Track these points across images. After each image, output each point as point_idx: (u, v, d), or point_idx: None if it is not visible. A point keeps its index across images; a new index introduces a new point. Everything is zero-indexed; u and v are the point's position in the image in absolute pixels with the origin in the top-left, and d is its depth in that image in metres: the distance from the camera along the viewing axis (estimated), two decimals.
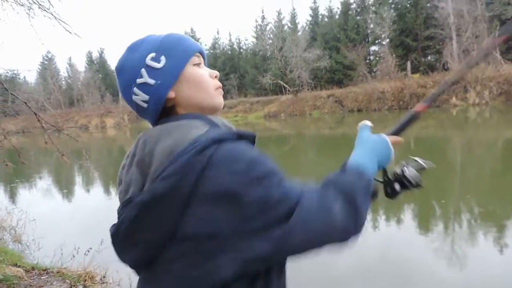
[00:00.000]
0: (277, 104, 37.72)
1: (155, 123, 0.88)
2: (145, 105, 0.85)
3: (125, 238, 0.77)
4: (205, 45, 65.21)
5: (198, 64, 0.89)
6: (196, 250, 0.72)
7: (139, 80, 0.84)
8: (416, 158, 1.00)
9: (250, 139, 0.84)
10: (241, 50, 54.40)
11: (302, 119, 31.04)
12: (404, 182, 0.96)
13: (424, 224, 5.16)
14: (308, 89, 39.66)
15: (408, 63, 34.64)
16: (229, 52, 54.08)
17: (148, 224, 0.73)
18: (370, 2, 42.07)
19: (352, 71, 38.75)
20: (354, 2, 42.92)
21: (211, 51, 54.58)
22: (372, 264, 3.93)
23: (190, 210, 0.71)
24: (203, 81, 0.89)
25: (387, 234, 4.88)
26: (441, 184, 7.44)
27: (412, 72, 34.77)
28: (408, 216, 5.55)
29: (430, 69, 34.20)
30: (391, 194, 1.00)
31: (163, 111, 0.87)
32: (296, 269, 3.52)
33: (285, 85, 40.30)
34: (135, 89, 0.84)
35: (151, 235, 0.74)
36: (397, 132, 1.04)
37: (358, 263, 3.94)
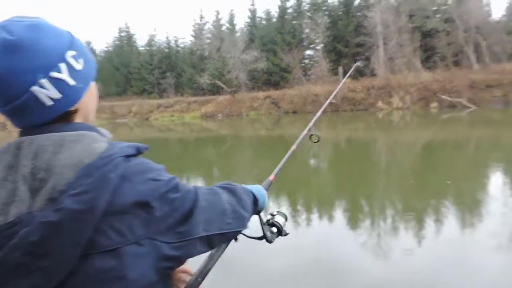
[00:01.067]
0: (215, 104, 37.60)
1: (38, 126, 0.74)
2: (49, 102, 0.72)
3: (15, 269, 0.63)
4: (141, 41, 62.98)
5: None
6: (115, 259, 0.67)
7: (54, 74, 0.71)
8: (282, 211, 1.25)
9: (143, 152, 0.86)
10: (179, 49, 53.37)
11: (239, 120, 31.28)
12: (273, 229, 1.20)
13: (353, 220, 5.49)
14: (245, 90, 40.04)
15: (340, 68, 36.47)
16: (166, 50, 52.75)
17: (55, 247, 0.63)
18: (305, 8, 43.67)
19: (288, 73, 39.86)
20: (291, 6, 44.26)
21: (147, 48, 52.85)
22: (306, 263, 4.09)
23: (105, 223, 0.66)
24: (96, 98, 0.87)
25: (319, 233, 5.12)
26: (368, 181, 7.98)
27: (343, 77, 36.70)
28: (338, 213, 5.87)
29: (360, 74, 36.36)
30: (265, 236, 1.19)
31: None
32: (230, 270, 3.52)
33: (222, 85, 40.29)
34: (44, 80, 0.70)
35: (58, 258, 0.63)
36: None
37: (291, 263, 4.08)
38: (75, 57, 0.76)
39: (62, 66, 0.73)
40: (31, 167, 0.68)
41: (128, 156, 0.74)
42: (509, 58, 29.95)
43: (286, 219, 1.22)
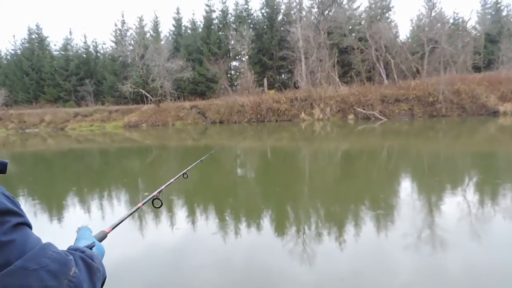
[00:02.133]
0: (138, 113, 36.22)
1: None
2: None
3: None
4: (55, 45, 58.49)
5: None
6: None
7: None
8: None
9: None
10: (98, 54, 50.64)
11: (165, 130, 30.46)
12: None
13: (279, 227, 5.61)
14: (171, 100, 39.24)
15: (265, 80, 37.59)
16: (84, 55, 49.66)
17: None
18: (231, 20, 44.37)
19: (214, 83, 39.99)
20: (216, 17, 44.64)
21: (62, 52, 49.20)
22: (236, 273, 4.07)
23: None
24: None
25: (247, 244, 5.13)
26: (292, 189, 8.25)
27: (268, 88, 37.87)
28: (266, 221, 5.96)
29: (284, 86, 37.86)
30: None
31: None
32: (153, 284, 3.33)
33: (147, 94, 39.00)
34: None
35: None
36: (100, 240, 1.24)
37: (222, 273, 4.03)
38: None
39: None
40: None
41: None
42: (413, 75, 33.50)
43: None
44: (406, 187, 8.05)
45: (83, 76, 46.59)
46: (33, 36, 49.93)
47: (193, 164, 1.84)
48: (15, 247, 0.67)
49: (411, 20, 55.20)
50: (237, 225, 5.85)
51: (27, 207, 7.39)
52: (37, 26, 50.56)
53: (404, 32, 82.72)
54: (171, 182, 1.96)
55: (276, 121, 30.11)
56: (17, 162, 14.88)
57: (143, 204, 1.61)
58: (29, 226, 0.74)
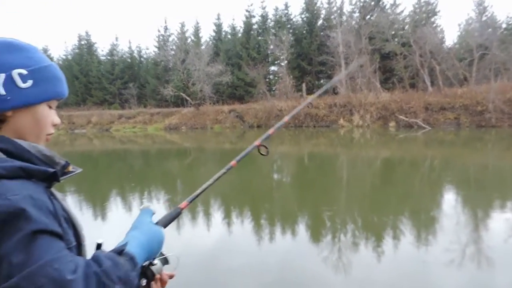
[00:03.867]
0: (179, 116, 37.15)
1: None
2: None
3: None
4: (102, 50, 61.42)
5: (50, 106, 0.91)
6: None
7: None
8: (164, 253, 1.05)
9: (42, 176, 0.79)
10: (142, 59, 52.51)
11: (203, 133, 31.04)
12: (148, 274, 0.98)
13: (315, 234, 5.54)
14: (210, 103, 39.94)
15: (303, 85, 37.32)
16: (129, 60, 51.69)
17: None
18: (270, 25, 44.57)
19: (252, 88, 40.25)
20: (256, 23, 44.99)
21: (109, 57, 51.53)
22: (270, 282, 4.06)
23: None
24: (43, 124, 0.89)
25: (282, 250, 5.11)
26: (329, 196, 8.12)
27: (307, 93, 37.58)
28: (301, 229, 5.90)
29: (323, 92, 37.41)
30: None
31: None
32: None
33: (187, 97, 39.95)
34: None
35: None
36: (165, 225, 1.10)
37: (255, 276, 4.03)
38: (22, 76, 0.83)
39: (1, 76, 0.81)
40: None
41: None
42: (460, 83, 32.01)
43: (165, 263, 1.04)
44: (450, 199, 7.69)
45: (127, 80, 48.53)
46: (83, 42, 52.74)
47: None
48: (18, 259, 0.63)
49: (459, 25, 52.84)
50: (272, 230, 5.85)
51: (83, 203, 7.75)
52: (86, 33, 53.42)
53: (450, 38, 79.48)
54: (279, 125, 1.74)
55: (314, 126, 29.83)
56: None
57: (245, 154, 1.37)
58: (51, 232, 0.69)
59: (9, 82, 0.81)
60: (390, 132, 24.78)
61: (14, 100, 0.82)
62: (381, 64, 35.86)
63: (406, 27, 36.91)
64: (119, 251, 0.80)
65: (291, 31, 43.04)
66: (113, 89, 48.74)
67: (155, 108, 41.98)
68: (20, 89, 0.82)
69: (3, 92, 0.81)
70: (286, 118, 1.82)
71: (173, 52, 43.70)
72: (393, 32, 36.40)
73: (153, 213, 1.03)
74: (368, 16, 38.67)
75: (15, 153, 0.79)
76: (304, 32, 42.75)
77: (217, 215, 6.87)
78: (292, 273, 4.24)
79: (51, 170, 0.80)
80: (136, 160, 17.32)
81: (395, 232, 5.48)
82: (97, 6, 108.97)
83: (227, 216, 6.81)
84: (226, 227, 6.12)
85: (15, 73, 0.82)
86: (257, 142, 1.56)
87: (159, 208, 7.59)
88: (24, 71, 0.83)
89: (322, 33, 40.61)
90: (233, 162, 1.33)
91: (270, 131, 1.67)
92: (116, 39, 72.58)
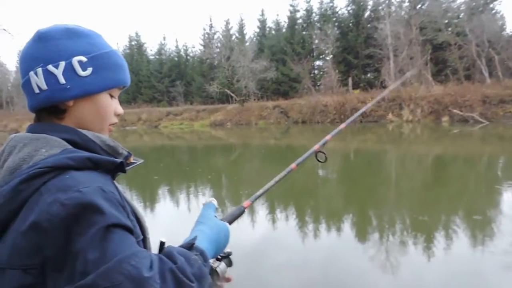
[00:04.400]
0: (224, 112, 37.71)
1: (32, 111, 0.83)
2: (37, 90, 0.78)
3: None
4: (151, 50, 63.71)
5: (112, 95, 0.87)
6: (16, 280, 0.64)
7: (51, 68, 0.77)
8: (229, 255, 1.01)
9: (110, 167, 0.76)
10: (188, 57, 53.80)
11: (248, 129, 31.29)
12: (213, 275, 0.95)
13: (361, 232, 5.39)
14: (254, 99, 40.13)
15: (350, 79, 36.42)
16: (176, 58, 53.21)
17: None
18: (315, 19, 43.84)
19: (297, 83, 39.90)
20: (300, 17, 44.45)
21: (157, 56, 53.42)
22: (314, 280, 4.00)
23: (7, 236, 0.66)
24: (105, 114, 0.86)
25: (328, 248, 5.02)
26: (376, 194, 7.86)
27: (353, 88, 36.63)
28: (346, 227, 5.76)
29: (370, 85, 36.24)
30: None
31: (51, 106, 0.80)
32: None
33: (232, 94, 40.46)
34: (39, 69, 0.77)
35: None
36: (230, 223, 1.06)
37: (299, 279, 3.99)
38: (81, 64, 0.79)
39: (62, 64, 0.78)
40: None
41: (62, 169, 0.68)
42: None
43: (229, 264, 1.01)
44: (509, 199, 7.14)
45: (175, 78, 50.03)
46: (133, 43, 55.11)
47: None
48: (94, 255, 0.60)
49: None
50: (317, 227, 5.77)
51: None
52: (136, 34, 55.73)
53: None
54: (335, 132, 1.69)
55: (361, 122, 29.01)
56: None
57: (304, 159, 1.35)
58: (123, 226, 0.66)
59: (69, 70, 0.78)
60: (443, 127, 23.49)
61: (74, 89, 0.78)
62: (433, 55, 34.00)
63: (461, 15, 34.68)
64: (189, 245, 0.78)
65: (336, 24, 42.02)
66: (161, 87, 50.47)
67: (201, 105, 42.90)
68: (80, 78, 0.79)
69: (63, 81, 0.77)
70: (343, 126, 1.86)
71: (218, 50, 44.37)
72: (446, 21, 34.36)
73: (216, 208, 1.01)
74: (419, 5, 36.79)
75: (80, 144, 0.77)
76: (350, 25, 41.58)
77: (262, 211, 6.89)
78: (337, 271, 4.16)
79: (119, 160, 0.78)
80: (183, 155, 17.84)
81: (448, 233, 5.19)
82: (146, 8, 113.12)
83: (271, 212, 6.81)
84: (271, 223, 6.13)
85: (75, 60, 0.79)
86: (316, 147, 1.54)
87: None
88: (84, 58, 0.79)
89: (369, 25, 39.28)
90: (293, 165, 1.34)
91: (328, 137, 1.65)
92: (164, 38, 74.86)
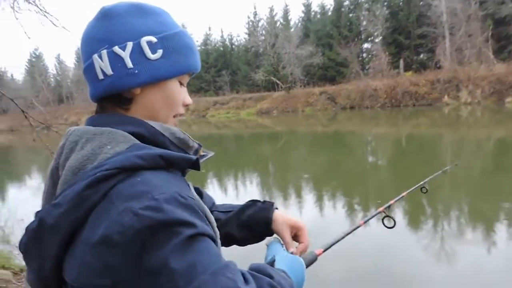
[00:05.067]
0: (270, 100, 37.66)
1: (95, 100, 0.73)
2: (101, 76, 0.68)
3: (25, 252, 0.64)
4: (197, 41, 64.85)
5: (181, 83, 0.76)
6: None
7: (117, 49, 0.67)
8: None
9: (184, 165, 0.67)
10: (233, 47, 54.19)
11: (295, 116, 31.03)
12: None
13: (413, 220, 5.14)
14: (300, 86, 39.66)
15: (401, 61, 34.77)
16: (221, 48, 53.81)
17: (36, 254, 0.62)
18: (363, 0, 42.14)
19: (344, 68, 38.82)
20: None
21: (203, 47, 54.32)
22: (364, 271, 3.88)
23: (71, 250, 0.59)
24: (174, 103, 0.75)
25: (377, 232, 4.84)
26: (429, 181, 7.44)
27: (405, 70, 34.93)
28: (398, 212, 5.52)
29: (423, 67, 34.35)
30: None
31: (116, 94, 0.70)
32: None
33: (277, 81, 40.24)
34: (104, 52, 0.67)
35: (39, 265, 0.62)
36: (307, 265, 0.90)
37: (352, 268, 3.88)
38: (151, 45, 0.69)
39: (129, 45, 0.67)
40: (56, 162, 0.68)
41: (131, 170, 0.59)
42: None
43: None
44: None
45: (221, 67, 50.70)
46: None
47: (433, 176, 1.38)
48: (182, 268, 0.52)
49: None
50: (366, 215, 5.59)
51: None
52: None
53: None
54: (402, 196, 1.62)
55: (414, 105, 27.62)
56: None
57: (365, 222, 1.28)
58: (208, 235, 0.59)
59: (137, 52, 0.68)
60: (507, 108, 21.72)
61: (143, 75, 0.68)
62: (495, 31, 31.34)
63: None
64: (270, 263, 0.72)
65: (385, 4, 40.09)
66: (208, 77, 51.36)
67: (247, 94, 43.17)
68: (149, 61, 0.68)
69: (130, 65, 0.67)
70: (404, 193, 1.67)
71: (263, 37, 44.23)
72: None
73: (283, 244, 0.90)
74: None
75: (147, 137, 0.68)
76: (401, 3, 39.47)
77: (309, 198, 6.81)
78: (389, 260, 4.00)
79: (194, 157, 0.68)
80: (230, 144, 18.08)
81: (510, 223, 4.80)
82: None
83: (319, 198, 6.71)
84: (319, 209, 6.04)
85: (143, 41, 0.68)
86: (381, 209, 1.46)
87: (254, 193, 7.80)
88: (153, 39, 0.69)
89: (421, 3, 37.06)
90: (361, 222, 1.28)
91: (392, 201, 1.54)
92: (209, 29, 76.08)
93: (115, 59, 0.67)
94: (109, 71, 0.67)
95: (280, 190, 7.86)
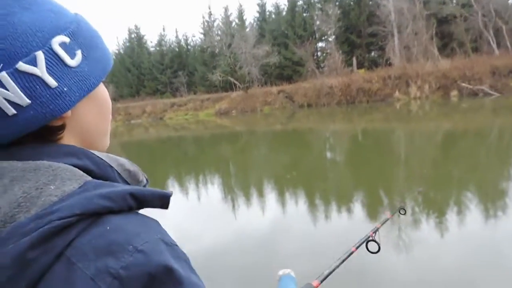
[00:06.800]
0: (228, 101, 37.46)
1: (7, 142, 0.50)
2: (11, 111, 0.46)
3: None
4: (151, 42, 63.34)
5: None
6: None
7: (23, 66, 0.45)
8: None
9: (157, 204, 0.51)
10: (189, 47, 53.37)
11: (254, 115, 31.08)
12: None
13: (372, 212, 5.23)
14: (258, 85, 39.78)
15: (354, 59, 35.83)
16: (177, 49, 52.80)
17: None
18: (316, 0, 43.03)
19: (300, 67, 39.41)
20: None
21: (157, 48, 53.09)
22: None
23: None
24: (108, 110, 0.59)
25: (339, 226, 4.87)
26: (385, 174, 7.67)
27: (358, 68, 36.04)
28: (357, 206, 5.60)
29: (375, 64, 35.68)
30: None
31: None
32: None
33: (235, 81, 40.13)
34: (4, 75, 0.45)
35: None
36: None
37: (314, 259, 3.85)
38: (67, 46, 0.49)
39: (39, 55, 0.46)
40: None
41: (96, 215, 0.44)
42: None
43: None
44: None
45: (177, 68, 49.71)
46: (133, 36, 54.70)
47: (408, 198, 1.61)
48: None
49: None
50: (327, 210, 5.63)
51: None
52: (136, 26, 55.41)
53: None
54: (387, 220, 1.82)
55: (368, 102, 28.56)
56: (126, 151, 16.52)
57: (357, 248, 1.34)
58: None
59: (54, 62, 0.47)
60: (452, 102, 23.03)
61: (74, 91, 0.49)
62: (438, 29, 33.18)
63: None
64: None
65: (337, 3, 41.21)
66: (164, 79, 50.25)
67: (204, 94, 42.66)
68: (72, 70, 0.49)
69: (54, 83, 0.47)
70: (389, 215, 2.07)
71: (218, 38, 43.85)
72: None
73: (295, 278, 0.86)
74: None
75: (95, 171, 0.50)
76: (352, 3, 40.76)
77: (271, 196, 6.76)
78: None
79: (170, 192, 0.52)
80: (190, 146, 17.73)
81: (460, 210, 5.02)
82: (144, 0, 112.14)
83: (281, 197, 6.67)
84: (281, 208, 6.00)
85: (55, 44, 0.48)
86: (370, 232, 1.56)
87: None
88: (65, 38, 0.49)
89: (371, 2, 38.47)
90: (353, 248, 1.41)
91: (378, 225, 1.71)
92: (164, 29, 74.47)
93: (27, 81, 0.46)
94: (24, 101, 0.46)
95: (243, 191, 7.76)
